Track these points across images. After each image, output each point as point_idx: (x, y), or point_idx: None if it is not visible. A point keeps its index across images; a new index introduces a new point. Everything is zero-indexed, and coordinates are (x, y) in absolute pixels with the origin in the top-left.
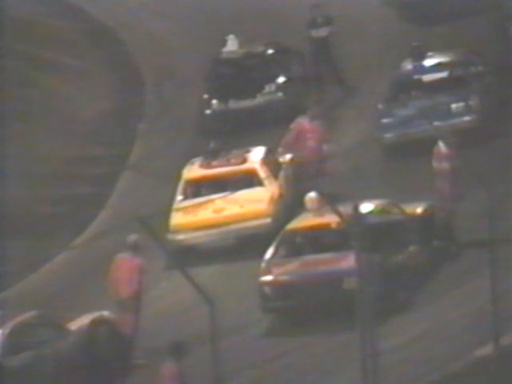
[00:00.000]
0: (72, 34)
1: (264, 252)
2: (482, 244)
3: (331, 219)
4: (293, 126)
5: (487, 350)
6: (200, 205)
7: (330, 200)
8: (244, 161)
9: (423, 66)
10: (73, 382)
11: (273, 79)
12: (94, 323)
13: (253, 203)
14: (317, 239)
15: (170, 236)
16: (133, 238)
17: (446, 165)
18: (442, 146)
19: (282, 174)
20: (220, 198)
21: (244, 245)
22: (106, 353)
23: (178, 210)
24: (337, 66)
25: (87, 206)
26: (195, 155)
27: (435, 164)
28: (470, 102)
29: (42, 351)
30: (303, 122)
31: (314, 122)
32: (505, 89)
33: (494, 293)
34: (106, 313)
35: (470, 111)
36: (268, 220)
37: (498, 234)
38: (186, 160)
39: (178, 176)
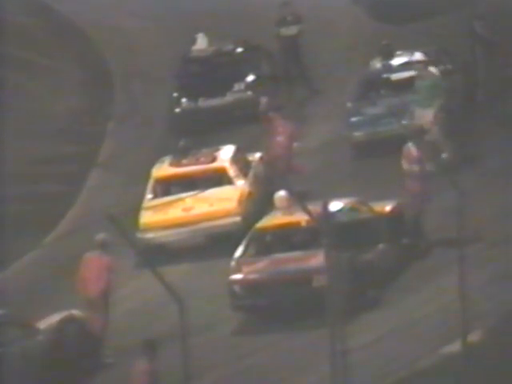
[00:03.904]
0: (41, 32)
1: (234, 250)
2: (451, 242)
3: (301, 217)
4: (267, 121)
5: (455, 347)
6: (170, 203)
7: (299, 198)
8: (213, 159)
9: (392, 65)
10: (41, 381)
11: (242, 78)
12: (63, 322)
13: (222, 202)
14: (286, 237)
15: (139, 234)
16: (101, 236)
17: (416, 167)
18: (412, 147)
19: (251, 173)
20: (190, 196)
21: (214, 243)
22: (75, 351)
23: (148, 208)
24: (306, 65)
25: (56, 204)
26: (165, 153)
27: (405, 165)
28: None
29: (10, 350)
30: (276, 119)
31: (285, 120)
32: (472, 87)
33: (462, 290)
34: (74, 311)
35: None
36: (237, 218)
37: (466, 232)
38: (155, 158)
39: (148, 174)
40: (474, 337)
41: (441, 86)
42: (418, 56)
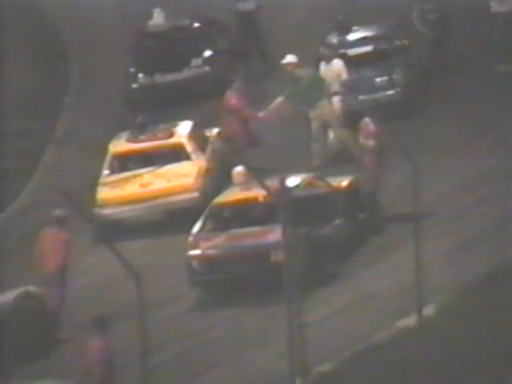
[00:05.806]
0: None
1: (191, 226)
2: (406, 216)
3: (258, 193)
4: (225, 100)
5: (410, 320)
6: (127, 179)
7: (256, 174)
8: (171, 135)
9: (348, 40)
10: None
11: (199, 53)
12: (19, 298)
13: (180, 177)
14: (244, 213)
15: (96, 210)
16: (58, 212)
17: (372, 142)
18: (369, 122)
19: (209, 148)
20: (147, 172)
21: (171, 219)
22: (32, 328)
23: (105, 184)
24: (263, 40)
25: (13, 180)
26: (122, 129)
27: (362, 140)
28: (394, 76)
29: None
30: (233, 96)
31: (241, 96)
32: (427, 62)
33: (418, 264)
34: (31, 288)
35: (394, 85)
36: (195, 194)
37: (422, 207)
38: (112, 134)
39: (105, 150)
40: (429, 310)
41: (319, 80)
42: (373, 31)
